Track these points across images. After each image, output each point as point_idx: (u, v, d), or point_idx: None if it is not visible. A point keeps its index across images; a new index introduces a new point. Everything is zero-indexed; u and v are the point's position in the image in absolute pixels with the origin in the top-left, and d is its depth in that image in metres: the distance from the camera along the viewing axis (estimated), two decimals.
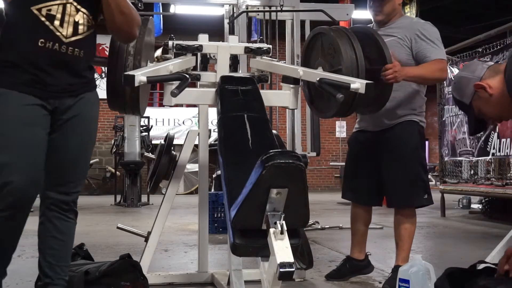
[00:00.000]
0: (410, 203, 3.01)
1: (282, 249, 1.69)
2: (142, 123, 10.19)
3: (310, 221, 5.41)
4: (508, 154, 5.75)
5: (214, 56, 2.89)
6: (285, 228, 1.73)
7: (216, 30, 6.94)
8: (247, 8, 5.24)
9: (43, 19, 2.07)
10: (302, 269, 3.10)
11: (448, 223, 6.56)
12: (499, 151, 5.88)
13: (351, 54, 2.60)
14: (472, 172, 7.00)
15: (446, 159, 7.22)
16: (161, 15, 8.93)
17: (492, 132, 5.99)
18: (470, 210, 7.99)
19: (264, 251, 1.77)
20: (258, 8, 5.27)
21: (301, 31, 5.24)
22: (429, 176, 17.75)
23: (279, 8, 5.06)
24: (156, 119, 12.85)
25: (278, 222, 1.73)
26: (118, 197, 9.65)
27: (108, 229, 5.67)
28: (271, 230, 1.73)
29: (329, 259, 3.88)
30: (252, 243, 1.83)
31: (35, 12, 2.07)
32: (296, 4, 5.31)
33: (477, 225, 6.37)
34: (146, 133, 10.33)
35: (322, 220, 6.02)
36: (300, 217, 1.83)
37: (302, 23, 5.36)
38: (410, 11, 12.89)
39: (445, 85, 7.16)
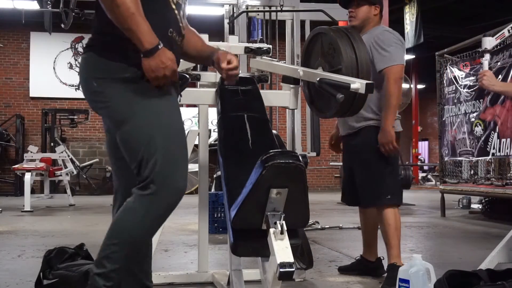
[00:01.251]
0: (373, 204, 3.08)
1: (282, 249, 1.69)
2: None
3: (310, 221, 5.41)
4: (508, 154, 5.75)
5: None
6: (285, 228, 1.73)
7: (216, 30, 6.95)
8: (247, 8, 5.24)
9: (173, 6, 1.91)
10: (302, 269, 3.10)
11: (448, 223, 6.56)
12: (499, 151, 5.88)
13: (351, 54, 2.60)
14: (472, 172, 7.00)
15: (446, 159, 7.21)
16: None
17: (492, 132, 5.99)
18: (470, 210, 7.99)
19: (264, 251, 1.77)
20: (258, 8, 5.27)
21: (301, 31, 5.24)
22: (429, 176, 17.54)
23: (279, 8, 5.06)
24: None
25: (278, 222, 1.73)
26: None
27: None
28: (271, 230, 1.73)
29: (329, 259, 3.88)
30: (252, 243, 1.83)
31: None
32: (296, 4, 5.31)
33: (477, 225, 6.37)
34: None
35: (322, 220, 6.02)
36: (300, 217, 1.83)
37: (302, 23, 5.36)
38: (410, 11, 12.89)
39: (445, 85, 7.16)
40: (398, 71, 2.95)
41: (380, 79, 2.94)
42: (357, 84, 2.39)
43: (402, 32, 13.22)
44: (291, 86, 2.79)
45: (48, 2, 8.99)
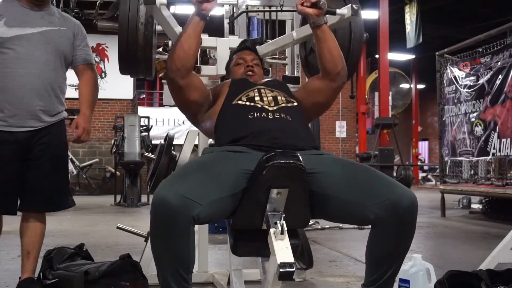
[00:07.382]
0: None
1: (282, 249, 1.69)
2: (142, 123, 10.19)
3: (310, 221, 5.40)
4: (508, 154, 5.75)
5: (214, 56, 2.89)
6: (285, 228, 1.72)
7: (216, 30, 6.94)
8: (247, 8, 5.24)
9: (246, 103, 2.08)
10: (302, 269, 3.10)
11: (448, 223, 6.56)
12: (499, 151, 5.88)
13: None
14: (472, 172, 7.00)
15: (446, 159, 7.21)
16: None
17: (493, 132, 5.99)
18: (470, 210, 7.99)
19: (264, 251, 1.76)
20: (258, 8, 5.27)
21: None
22: (429, 176, 17.43)
23: (279, 8, 5.06)
24: (156, 119, 12.84)
25: (278, 222, 1.72)
26: (118, 197, 9.65)
27: (108, 229, 5.67)
28: (271, 230, 1.72)
29: (329, 259, 3.88)
30: (252, 243, 1.83)
31: (238, 102, 2.08)
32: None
33: (477, 225, 6.37)
34: (146, 133, 10.33)
35: (322, 220, 6.01)
36: (300, 217, 1.83)
37: None
38: (411, 11, 12.87)
39: (445, 85, 7.16)
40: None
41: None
42: (344, 10, 2.27)
43: (403, 32, 13.22)
44: (291, 86, 2.79)
45: None
